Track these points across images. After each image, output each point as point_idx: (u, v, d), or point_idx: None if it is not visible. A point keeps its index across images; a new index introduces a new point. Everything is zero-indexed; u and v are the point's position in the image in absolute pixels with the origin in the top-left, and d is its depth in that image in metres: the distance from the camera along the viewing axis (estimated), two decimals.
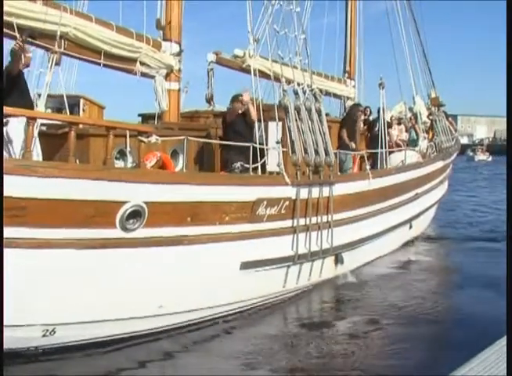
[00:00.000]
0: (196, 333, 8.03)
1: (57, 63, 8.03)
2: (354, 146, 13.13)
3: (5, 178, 5.88)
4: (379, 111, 15.09)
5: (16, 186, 5.94)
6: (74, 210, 6.31)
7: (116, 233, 6.72)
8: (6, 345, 6.63)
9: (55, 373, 6.82)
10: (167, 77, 10.98)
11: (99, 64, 9.33)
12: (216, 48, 13.44)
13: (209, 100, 12.93)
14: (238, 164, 9.11)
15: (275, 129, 10.09)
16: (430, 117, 19.20)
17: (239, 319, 8.68)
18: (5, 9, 7.28)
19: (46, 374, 6.79)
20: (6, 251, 6.03)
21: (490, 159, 71.24)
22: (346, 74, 18.76)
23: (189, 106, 12.89)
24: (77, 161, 6.67)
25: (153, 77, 10.65)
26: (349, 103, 18.43)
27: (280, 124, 9.97)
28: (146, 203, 6.80)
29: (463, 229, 17.88)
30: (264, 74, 11.71)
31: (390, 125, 15.63)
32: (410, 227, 14.83)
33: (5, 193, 5.87)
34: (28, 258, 6.25)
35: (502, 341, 5.07)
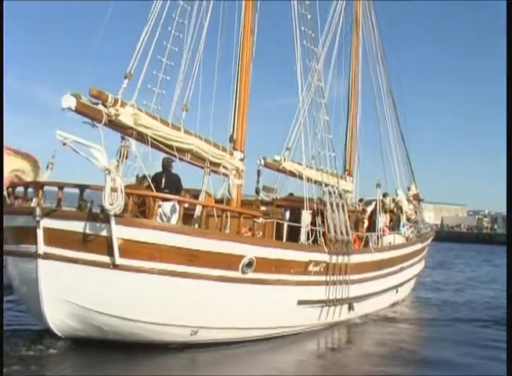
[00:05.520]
0: (271, 343, 12.74)
1: (209, 174, 13.01)
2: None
3: (186, 238, 10.68)
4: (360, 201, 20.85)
5: (193, 243, 10.74)
6: (219, 258, 11.09)
7: (237, 274, 11.50)
8: (163, 338, 11.20)
9: (195, 358, 11.37)
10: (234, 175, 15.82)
11: (202, 168, 14.15)
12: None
13: (257, 192, 17.94)
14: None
15: (306, 215, 15.09)
16: (410, 207, 24.40)
17: (293, 337, 13.42)
18: (166, 135, 12.25)
19: (189, 359, 11.33)
20: (179, 280, 10.73)
21: None
22: (346, 172, 24.00)
23: None
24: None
25: (227, 175, 15.48)
26: (348, 195, 23.60)
27: (310, 212, 14.99)
28: (255, 257, 11.62)
29: None
30: (293, 174, 17.00)
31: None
32: (397, 292, 19.68)
33: (186, 245, 10.64)
34: (192, 285, 10.94)
35: None
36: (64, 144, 9.35)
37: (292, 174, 18.61)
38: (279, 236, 14.15)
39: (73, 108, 9.88)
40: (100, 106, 10.49)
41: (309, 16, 16.04)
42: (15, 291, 12.22)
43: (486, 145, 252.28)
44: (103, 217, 10.18)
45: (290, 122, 19.42)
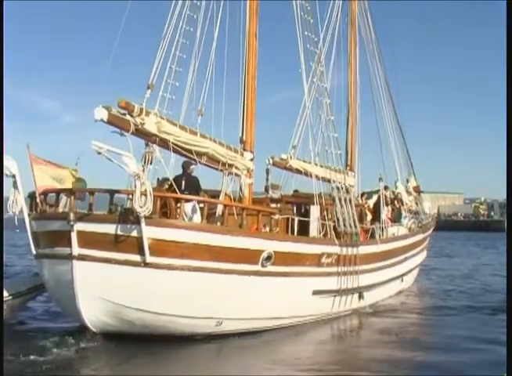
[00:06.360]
0: (285, 331, 13.62)
1: (228, 175, 13.82)
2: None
3: (211, 236, 11.51)
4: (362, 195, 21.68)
5: (218, 240, 11.56)
6: (241, 253, 11.92)
7: (258, 267, 12.33)
8: (191, 330, 12.01)
9: (221, 348, 12.18)
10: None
11: (217, 169, 14.94)
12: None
13: (267, 189, 18.76)
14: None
15: (315, 210, 15.91)
16: (409, 199, 25.26)
17: (309, 325, 14.31)
18: (186, 140, 13.04)
19: (214, 348, 12.13)
20: (206, 275, 11.54)
21: None
22: (348, 167, 24.82)
23: None
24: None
25: (239, 175, 16.22)
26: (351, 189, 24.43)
27: (319, 207, 15.79)
28: (274, 251, 12.45)
29: None
30: (299, 171, 17.84)
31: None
32: (402, 281, 20.54)
33: (211, 243, 11.46)
34: (217, 279, 11.76)
35: None
36: (99, 153, 10.13)
37: (298, 171, 19.45)
38: (289, 231, 14.94)
39: (106, 120, 10.69)
40: (127, 116, 11.29)
41: (312, 21, 16.82)
42: (48, 291, 13.07)
43: (481, 133, 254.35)
44: (133, 219, 10.98)
45: (288, 119, 20.32)
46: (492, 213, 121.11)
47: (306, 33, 16.58)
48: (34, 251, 12.37)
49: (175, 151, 12.92)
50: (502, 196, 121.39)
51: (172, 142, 12.54)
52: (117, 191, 11.66)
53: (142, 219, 10.87)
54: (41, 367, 10.00)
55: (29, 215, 12.28)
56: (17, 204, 12.09)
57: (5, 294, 13.05)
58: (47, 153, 12.00)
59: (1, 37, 10.86)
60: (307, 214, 16.38)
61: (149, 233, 11.03)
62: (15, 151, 12.33)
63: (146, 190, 10.69)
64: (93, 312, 11.40)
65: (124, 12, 13.91)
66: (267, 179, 18.93)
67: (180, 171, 13.63)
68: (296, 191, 20.03)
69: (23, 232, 12.50)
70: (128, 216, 11.09)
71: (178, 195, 12.19)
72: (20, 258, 31.45)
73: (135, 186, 10.68)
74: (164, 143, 12.53)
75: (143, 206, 10.67)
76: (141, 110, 11.51)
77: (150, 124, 11.73)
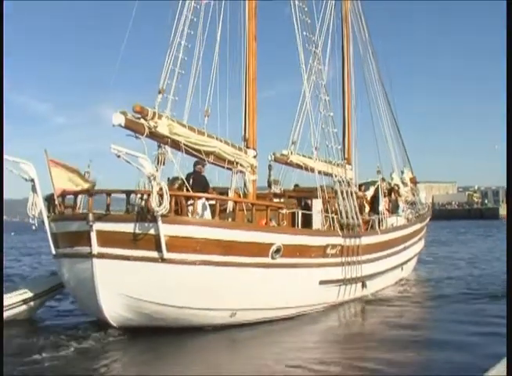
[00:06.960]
0: (297, 320, 14.27)
1: (236, 173, 14.43)
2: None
3: (224, 231, 12.14)
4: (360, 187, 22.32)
5: (230, 235, 12.19)
6: (252, 247, 12.56)
7: (268, 260, 12.98)
8: (206, 321, 12.62)
9: (231, 336, 12.79)
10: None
11: (223, 167, 15.54)
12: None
13: (269, 185, 19.40)
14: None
15: (317, 203, 16.55)
16: (405, 190, 25.93)
17: (317, 314, 14.98)
18: (195, 141, 13.62)
19: (228, 338, 12.74)
20: (220, 269, 12.17)
21: None
22: (345, 161, 25.43)
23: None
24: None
25: (243, 172, 16.82)
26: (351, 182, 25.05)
27: (321, 200, 16.42)
28: (282, 244, 13.09)
29: None
30: (299, 166, 18.49)
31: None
32: (402, 270, 21.23)
33: (224, 238, 12.09)
34: (231, 272, 12.40)
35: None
36: (118, 156, 10.72)
37: (298, 166, 20.11)
38: (293, 225, 15.58)
39: (123, 125, 11.29)
40: (142, 120, 11.90)
41: (309, 21, 17.42)
42: (68, 289, 13.68)
43: (473, 121, 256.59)
44: (150, 217, 11.59)
45: (287, 113, 20.95)
46: (486, 201, 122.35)
47: (304, 33, 17.18)
48: (53, 252, 12.95)
49: (186, 151, 13.51)
50: (495, 183, 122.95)
51: (183, 144, 13.13)
52: (133, 191, 12.26)
53: (159, 218, 11.47)
54: (58, 365, 10.39)
55: (47, 216, 12.86)
56: (36, 206, 12.68)
57: (30, 294, 13.74)
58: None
59: (1, 38, 11.24)
60: (307, 207, 16.99)
61: (166, 230, 11.64)
62: (14, 153, 12.82)
63: (162, 190, 11.30)
64: (114, 307, 11.98)
65: (121, 14, 14.54)
66: (269, 175, 19.58)
67: (185, 170, 14.25)
68: (296, 185, 20.67)
69: (19, 234, 13.06)
70: (144, 215, 11.69)
71: (191, 193, 12.80)
72: (16, 260, 32.41)
73: (152, 187, 11.27)
74: (175, 144, 13.13)
75: (160, 205, 11.26)
76: (154, 113, 12.12)
77: (163, 127, 12.35)
